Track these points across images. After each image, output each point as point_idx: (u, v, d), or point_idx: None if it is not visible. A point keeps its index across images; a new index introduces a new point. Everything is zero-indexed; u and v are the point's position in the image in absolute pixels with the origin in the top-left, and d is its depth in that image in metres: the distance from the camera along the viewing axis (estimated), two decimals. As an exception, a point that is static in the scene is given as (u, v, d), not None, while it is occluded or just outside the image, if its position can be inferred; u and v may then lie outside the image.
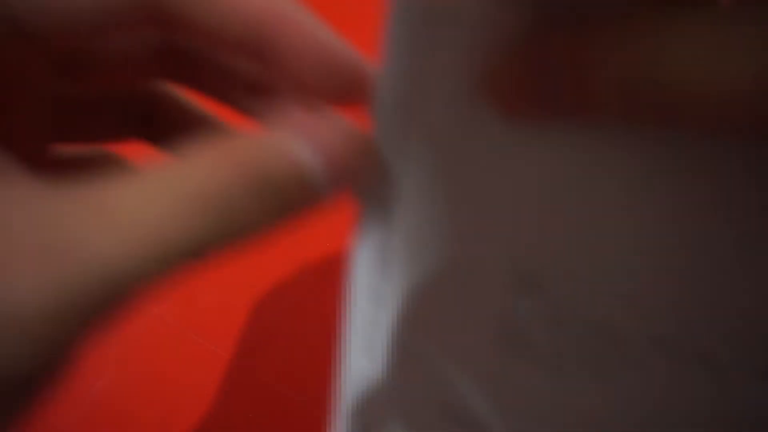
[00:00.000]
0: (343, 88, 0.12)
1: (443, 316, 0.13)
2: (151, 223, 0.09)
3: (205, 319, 0.28)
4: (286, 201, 0.10)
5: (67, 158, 0.14)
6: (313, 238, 0.26)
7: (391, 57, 0.11)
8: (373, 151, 0.11)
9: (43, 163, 0.13)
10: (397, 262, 0.12)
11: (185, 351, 0.29)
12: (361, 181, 0.11)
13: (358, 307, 0.13)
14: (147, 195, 0.09)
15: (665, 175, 0.10)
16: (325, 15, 0.14)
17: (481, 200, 0.11)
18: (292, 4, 0.12)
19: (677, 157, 0.10)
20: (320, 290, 0.29)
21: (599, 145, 0.10)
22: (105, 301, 0.09)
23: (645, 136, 0.09)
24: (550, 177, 0.10)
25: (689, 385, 0.12)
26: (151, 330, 0.28)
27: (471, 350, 0.13)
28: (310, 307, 0.29)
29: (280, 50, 0.12)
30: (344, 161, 0.11)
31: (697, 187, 0.10)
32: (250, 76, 0.14)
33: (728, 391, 0.11)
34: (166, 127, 0.15)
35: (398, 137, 0.11)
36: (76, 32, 0.11)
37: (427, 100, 0.10)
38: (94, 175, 0.09)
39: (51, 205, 0.09)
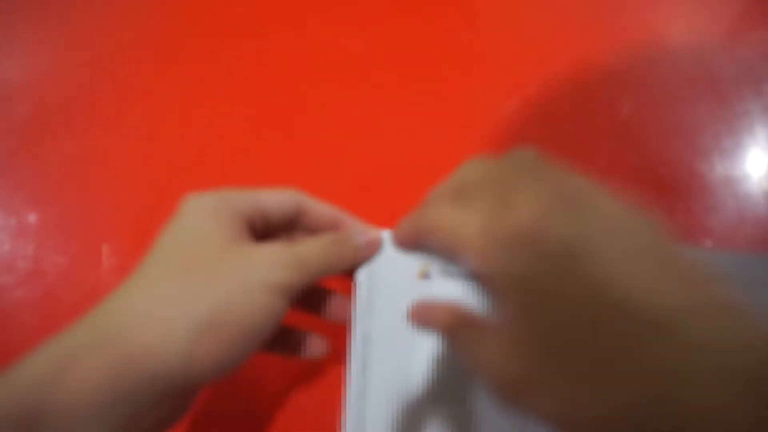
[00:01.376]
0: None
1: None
2: (293, 258, 0.24)
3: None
4: (351, 256, 0.27)
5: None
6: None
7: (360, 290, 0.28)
8: (378, 246, 0.28)
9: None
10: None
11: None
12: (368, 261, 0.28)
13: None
14: (295, 248, 0.25)
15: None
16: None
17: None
18: (342, 214, 0.28)
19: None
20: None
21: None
22: (286, 289, 0.23)
23: None
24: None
25: None
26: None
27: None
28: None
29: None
30: (372, 246, 0.27)
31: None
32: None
33: None
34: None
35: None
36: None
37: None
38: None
39: (250, 250, 0.24)
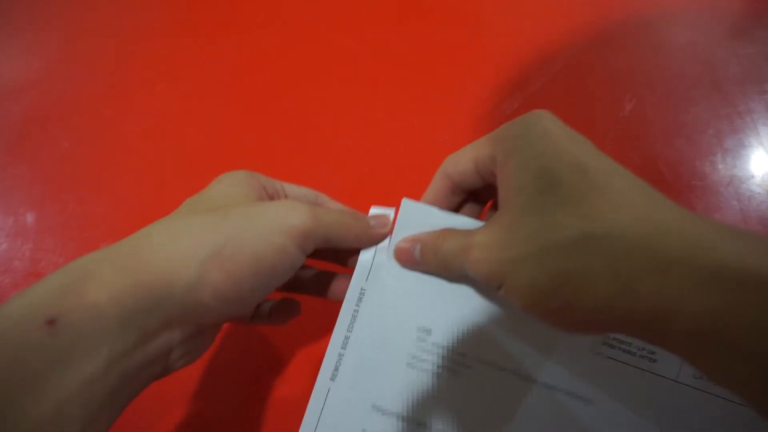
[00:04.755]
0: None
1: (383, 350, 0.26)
2: (310, 210, 0.24)
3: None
4: (362, 229, 0.26)
5: None
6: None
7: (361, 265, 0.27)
8: (386, 232, 0.27)
9: None
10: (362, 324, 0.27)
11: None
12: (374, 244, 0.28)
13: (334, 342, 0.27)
14: (316, 209, 0.25)
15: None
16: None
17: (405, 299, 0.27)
18: (357, 211, 0.28)
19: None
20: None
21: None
22: (301, 236, 0.23)
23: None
24: (433, 286, 0.26)
25: (500, 387, 0.25)
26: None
27: (395, 368, 0.26)
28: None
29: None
30: (383, 229, 0.27)
31: None
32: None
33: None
34: None
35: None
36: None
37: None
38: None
39: (270, 203, 0.25)
